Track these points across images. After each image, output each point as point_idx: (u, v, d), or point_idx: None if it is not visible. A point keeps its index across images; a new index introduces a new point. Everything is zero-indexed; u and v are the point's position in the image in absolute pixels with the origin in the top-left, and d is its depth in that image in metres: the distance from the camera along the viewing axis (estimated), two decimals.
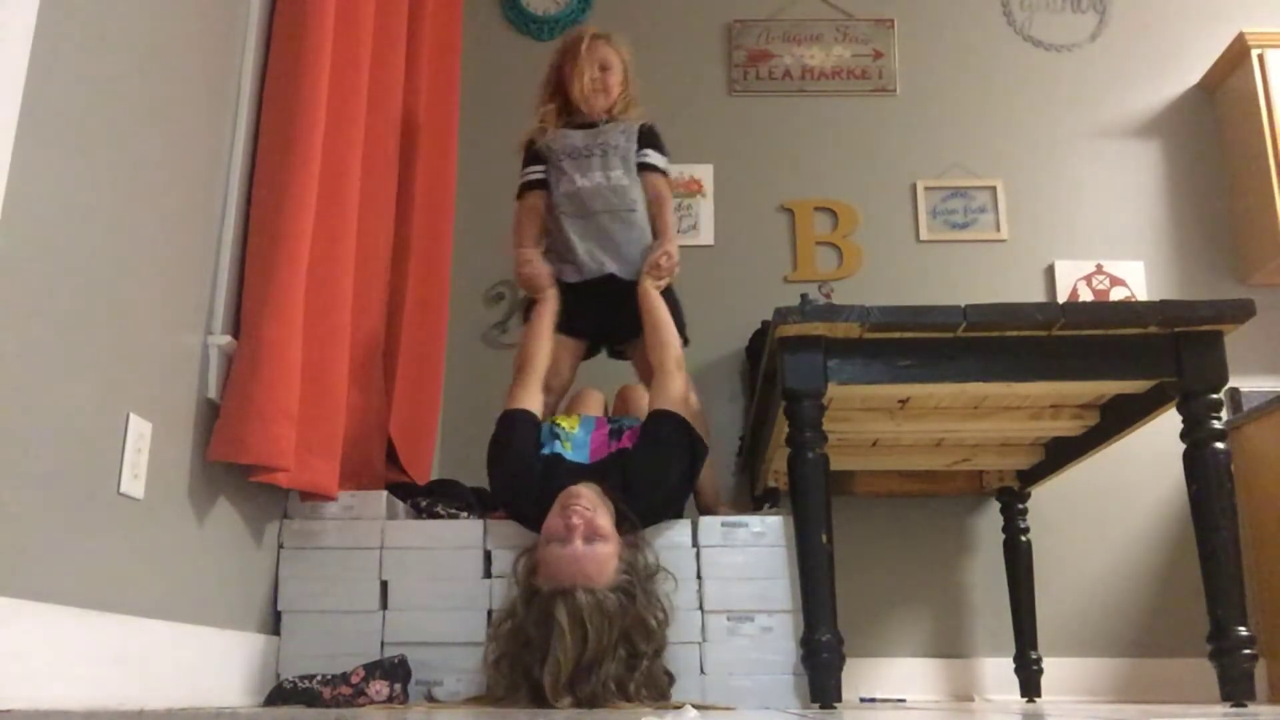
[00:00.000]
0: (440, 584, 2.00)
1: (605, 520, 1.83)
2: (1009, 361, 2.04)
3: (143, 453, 1.52)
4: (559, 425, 2.14)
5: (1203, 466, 1.97)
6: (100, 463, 1.42)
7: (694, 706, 1.67)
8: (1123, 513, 3.21)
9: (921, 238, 3.47)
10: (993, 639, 3.09)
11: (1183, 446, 2.01)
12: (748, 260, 3.43)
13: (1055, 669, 2.99)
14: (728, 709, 1.81)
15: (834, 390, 2.07)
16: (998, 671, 3.04)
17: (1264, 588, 2.97)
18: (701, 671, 1.96)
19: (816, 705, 1.87)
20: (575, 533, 1.79)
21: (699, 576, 2.01)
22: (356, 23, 2.11)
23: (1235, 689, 1.88)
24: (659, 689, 1.80)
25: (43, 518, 1.29)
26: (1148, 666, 3.07)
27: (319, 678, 1.85)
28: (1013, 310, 2.02)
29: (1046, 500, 3.13)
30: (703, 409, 2.23)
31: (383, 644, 1.97)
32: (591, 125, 2.46)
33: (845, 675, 1.93)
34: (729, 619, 1.99)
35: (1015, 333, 2.02)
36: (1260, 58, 3.32)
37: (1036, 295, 3.39)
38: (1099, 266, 3.42)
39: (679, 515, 2.10)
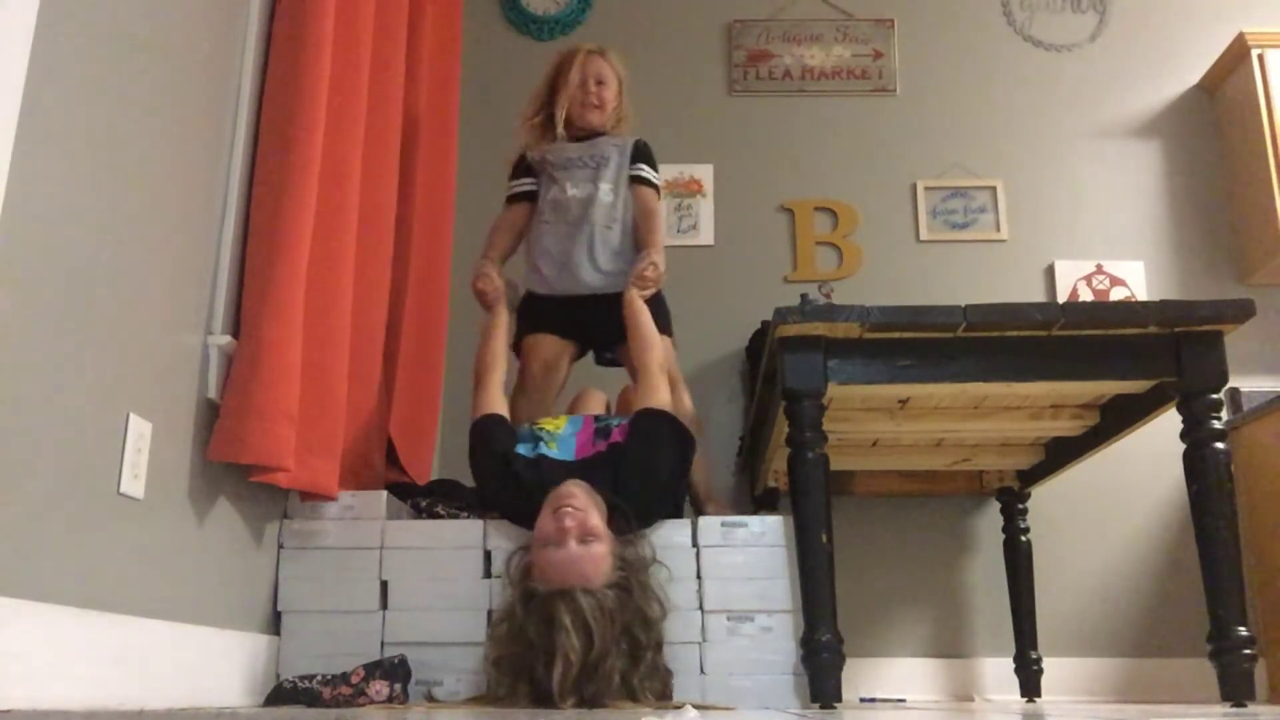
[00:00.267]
0: (440, 584, 2.00)
1: (597, 518, 1.83)
2: (1009, 361, 2.04)
3: (143, 453, 1.52)
4: (543, 428, 2.14)
5: (1203, 466, 1.97)
6: (100, 463, 1.42)
7: (694, 706, 1.67)
8: (1123, 513, 3.22)
9: (921, 238, 3.48)
10: (993, 639, 3.09)
11: (1183, 446, 2.01)
12: (748, 260, 3.43)
13: (1055, 669, 2.99)
14: (728, 709, 1.81)
15: (834, 390, 2.07)
16: (998, 671, 3.04)
17: (1264, 588, 2.97)
18: (701, 671, 1.95)
19: (816, 705, 1.87)
20: (568, 534, 1.79)
21: (699, 576, 2.01)
22: (357, 23, 2.10)
23: (1235, 689, 1.88)
24: (662, 681, 1.81)
25: (43, 518, 1.29)
26: (1148, 666, 3.07)
27: (319, 678, 1.85)
28: (1013, 310, 2.02)
29: (1046, 500, 3.13)
30: (695, 407, 2.26)
31: (383, 644, 1.97)
32: (586, 138, 2.49)
33: (845, 675, 1.93)
34: (729, 619, 1.98)
35: (1015, 333, 2.02)
36: (1260, 58, 3.33)
37: (1036, 295, 3.39)
38: (1099, 266, 3.42)
39: (678, 514, 2.10)
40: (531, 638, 1.75)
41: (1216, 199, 3.49)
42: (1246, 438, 3.05)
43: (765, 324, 2.90)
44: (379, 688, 1.84)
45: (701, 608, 1.99)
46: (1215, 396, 1.99)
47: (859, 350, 2.03)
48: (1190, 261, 3.44)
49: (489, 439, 2.11)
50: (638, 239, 2.45)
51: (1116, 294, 3.39)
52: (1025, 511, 3.01)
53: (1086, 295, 3.38)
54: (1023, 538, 2.98)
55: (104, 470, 1.43)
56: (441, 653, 1.95)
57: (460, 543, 2.04)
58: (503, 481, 2.04)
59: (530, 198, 2.52)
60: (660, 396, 2.15)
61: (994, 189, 3.50)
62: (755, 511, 2.80)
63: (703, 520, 2.06)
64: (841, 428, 2.37)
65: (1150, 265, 3.42)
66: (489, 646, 1.83)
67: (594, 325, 2.44)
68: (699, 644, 1.97)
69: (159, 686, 1.54)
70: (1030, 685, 2.91)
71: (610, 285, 2.40)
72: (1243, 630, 1.89)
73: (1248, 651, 1.88)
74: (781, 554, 2.02)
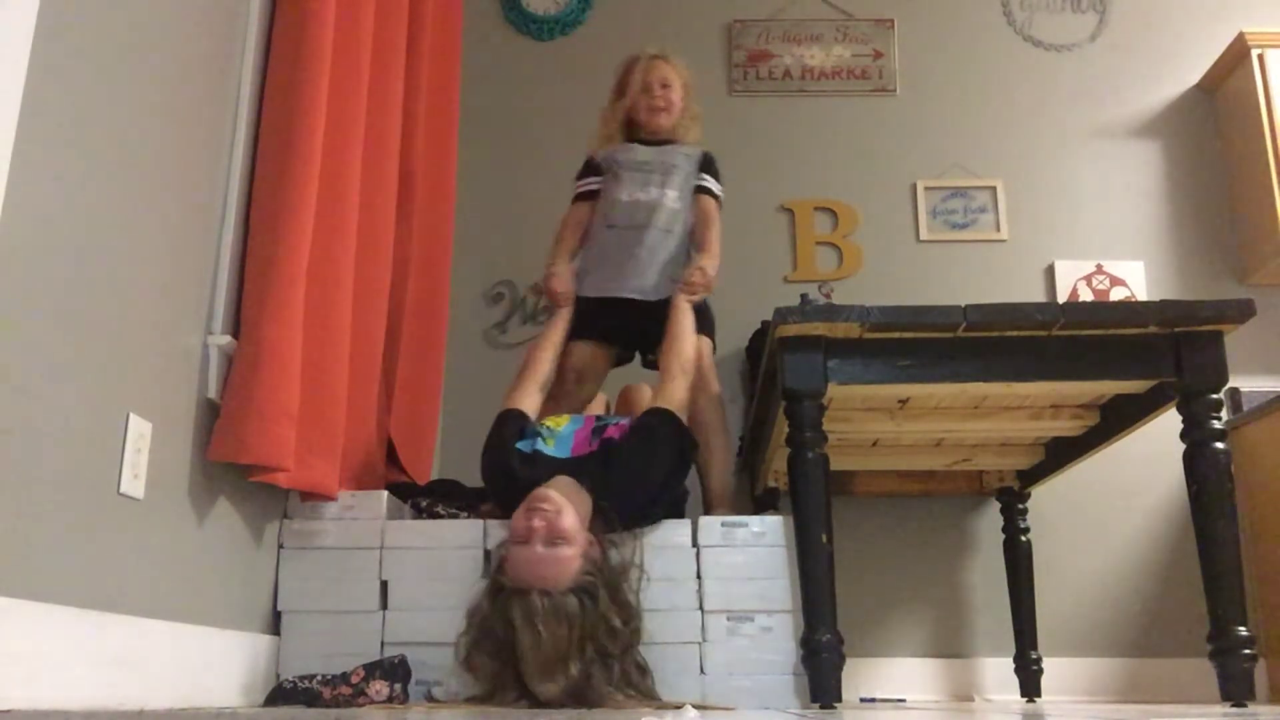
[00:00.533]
0: (440, 584, 2.00)
1: (570, 520, 1.82)
2: (1009, 361, 2.04)
3: (143, 453, 1.52)
4: (545, 425, 2.15)
5: (1203, 466, 1.97)
6: (100, 463, 1.42)
7: (694, 706, 1.67)
8: (1123, 513, 3.21)
9: (921, 238, 3.48)
10: (993, 639, 3.09)
11: (1183, 446, 2.01)
12: (748, 260, 3.43)
13: (1055, 669, 2.99)
14: (728, 709, 1.81)
15: (834, 390, 2.07)
16: (998, 671, 3.04)
17: (1264, 588, 2.97)
18: (701, 671, 1.95)
19: (816, 705, 1.87)
20: (534, 535, 1.79)
21: (699, 576, 2.01)
22: (357, 23, 2.10)
23: (1235, 689, 1.88)
24: (635, 686, 1.81)
25: (43, 518, 1.29)
26: (1148, 666, 3.07)
27: (319, 678, 1.85)
28: (1013, 310, 2.02)
29: (1046, 500, 3.13)
30: (723, 404, 2.32)
31: (383, 644, 1.97)
32: (659, 143, 2.52)
33: (845, 675, 1.93)
34: (729, 619, 1.98)
35: (1015, 333, 2.02)
36: (1260, 58, 3.33)
37: (1036, 295, 3.39)
38: (1099, 266, 3.42)
39: (679, 515, 2.10)
40: (495, 629, 1.77)
41: (1216, 199, 3.49)
42: (1246, 438, 3.05)
43: (765, 324, 2.90)
44: (379, 688, 1.84)
45: (701, 608, 1.99)
46: (1215, 396, 1.99)
47: (859, 350, 2.03)
48: (1190, 261, 3.44)
49: (500, 432, 2.13)
50: (694, 244, 2.48)
51: (1116, 294, 3.39)
52: (1025, 511, 3.01)
53: (1086, 295, 3.38)
54: (1023, 538, 2.98)
55: (104, 470, 1.43)
56: (441, 653, 1.94)
57: (460, 543, 2.04)
58: (499, 475, 2.06)
59: (595, 197, 2.54)
60: (671, 398, 2.14)
61: (994, 189, 3.50)
62: (755, 511, 2.80)
63: (703, 520, 2.06)
64: (841, 428, 2.37)
65: (1150, 265, 3.42)
66: (464, 630, 1.83)
67: (639, 330, 2.45)
68: (699, 644, 1.97)
69: (159, 686, 1.54)
70: (1030, 685, 2.91)
71: (660, 292, 2.41)
72: (1243, 630, 1.89)
73: (1248, 651, 1.88)
74: (781, 554, 2.02)
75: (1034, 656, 2.91)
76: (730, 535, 2.04)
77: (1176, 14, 3.66)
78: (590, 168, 2.58)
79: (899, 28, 3.66)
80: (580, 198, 2.56)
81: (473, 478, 2.37)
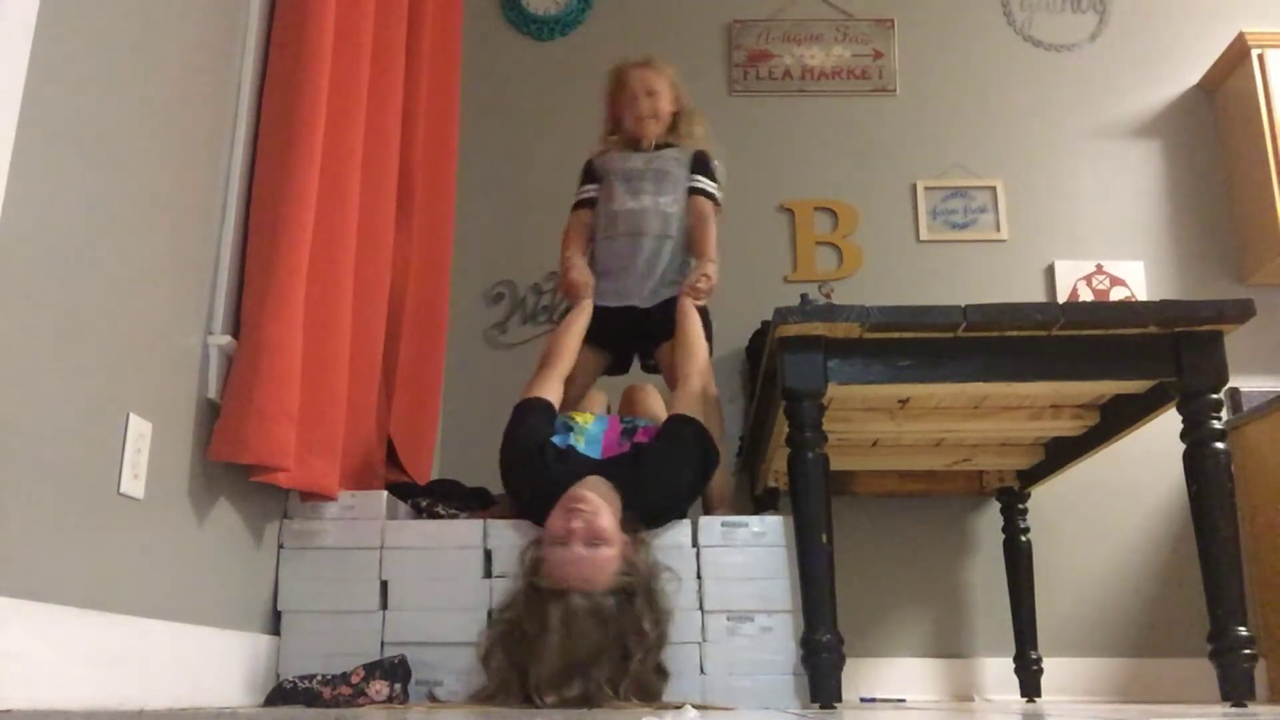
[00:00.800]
0: (440, 584, 2.00)
1: (608, 521, 1.83)
2: (1009, 361, 2.04)
3: (143, 453, 1.52)
4: (573, 419, 2.15)
5: (1203, 466, 1.97)
6: (100, 463, 1.42)
7: (694, 706, 1.67)
8: (1123, 513, 3.21)
9: (921, 238, 3.48)
10: (993, 639, 3.09)
11: (1183, 446, 2.01)
12: (748, 260, 3.43)
13: (1055, 669, 2.99)
14: (728, 709, 1.81)
15: (834, 390, 2.07)
16: (998, 671, 3.04)
17: (1264, 588, 2.97)
18: (701, 671, 1.95)
19: (816, 705, 1.87)
20: (575, 536, 1.79)
21: (699, 576, 2.01)
22: (357, 23, 2.10)
23: (1235, 689, 1.88)
24: (646, 690, 1.80)
25: (43, 518, 1.29)
26: (1148, 666, 3.07)
27: (319, 678, 1.85)
28: (1013, 310, 2.02)
29: (1046, 500, 3.13)
30: (721, 413, 2.27)
31: (383, 644, 1.97)
32: (654, 148, 2.53)
33: (845, 675, 1.93)
34: (729, 619, 1.98)
35: (1015, 333, 2.02)
36: (1260, 58, 3.33)
37: (1036, 295, 3.39)
38: (1099, 266, 3.42)
39: (682, 516, 2.10)
40: (526, 630, 1.76)
41: (1216, 199, 3.49)
42: (1246, 438, 3.05)
43: (765, 324, 2.90)
44: (379, 688, 1.84)
45: (701, 608, 1.99)
46: (1215, 396, 1.99)
47: (859, 350, 2.03)
48: (1190, 261, 3.44)
49: (531, 422, 2.11)
50: (691, 248, 2.48)
51: (1116, 294, 3.38)
52: (1025, 511, 3.01)
53: (1086, 295, 3.38)
54: (1023, 538, 2.98)
55: (104, 470, 1.43)
56: (441, 653, 1.95)
57: (460, 543, 2.04)
58: (532, 468, 2.03)
59: (594, 204, 2.56)
60: (695, 406, 2.16)
61: (994, 189, 3.50)
62: (755, 511, 2.80)
63: (703, 520, 2.06)
64: (841, 428, 2.37)
65: (1150, 265, 3.42)
66: (487, 631, 1.84)
67: (635, 335, 2.47)
68: (699, 644, 1.97)
69: (159, 686, 1.54)
70: (1030, 685, 2.91)
71: (656, 296, 2.42)
72: (1243, 630, 1.89)
73: (1248, 651, 1.88)
74: (781, 554, 2.02)
75: (1034, 656, 2.91)
76: (730, 535, 2.04)
77: (1176, 14, 3.66)
78: (589, 174, 2.60)
79: (899, 28, 3.66)
80: (579, 205, 2.58)
81: (472, 478, 2.37)
